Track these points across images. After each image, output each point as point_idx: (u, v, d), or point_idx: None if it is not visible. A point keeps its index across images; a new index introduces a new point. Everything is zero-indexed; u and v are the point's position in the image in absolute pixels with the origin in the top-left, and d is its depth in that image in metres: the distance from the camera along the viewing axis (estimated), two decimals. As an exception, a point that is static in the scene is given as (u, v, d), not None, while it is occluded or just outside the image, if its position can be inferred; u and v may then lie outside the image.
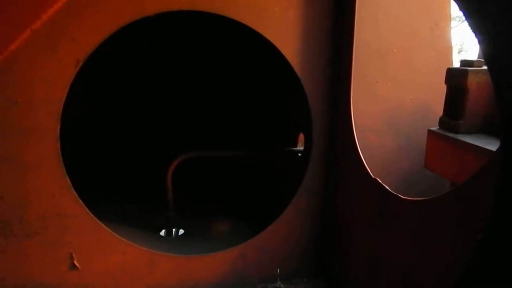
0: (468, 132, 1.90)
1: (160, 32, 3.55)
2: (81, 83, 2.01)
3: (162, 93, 3.96)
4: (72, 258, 2.06)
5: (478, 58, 2.13)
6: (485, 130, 1.91)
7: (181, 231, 2.83)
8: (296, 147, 3.00)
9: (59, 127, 1.90)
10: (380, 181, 1.85)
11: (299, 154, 2.94)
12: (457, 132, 1.91)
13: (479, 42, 0.85)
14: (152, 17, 1.94)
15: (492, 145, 1.67)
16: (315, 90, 2.25)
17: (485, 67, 1.89)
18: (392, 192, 1.75)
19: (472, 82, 1.87)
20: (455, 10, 2.56)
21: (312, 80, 2.23)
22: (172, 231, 2.77)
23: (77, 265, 2.07)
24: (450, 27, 2.43)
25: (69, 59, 1.86)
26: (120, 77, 3.82)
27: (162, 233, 2.78)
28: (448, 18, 2.42)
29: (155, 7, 1.94)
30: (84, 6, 1.84)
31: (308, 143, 2.48)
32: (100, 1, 1.86)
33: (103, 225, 2.07)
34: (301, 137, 2.92)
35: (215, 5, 2.03)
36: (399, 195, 1.70)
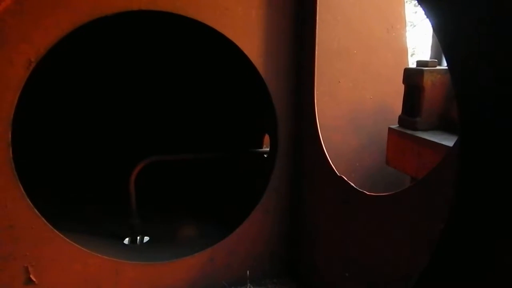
0: (425, 129, 1.99)
1: (124, 32, 3.43)
2: (37, 85, 1.89)
3: (125, 95, 3.83)
4: (28, 272, 1.93)
5: (431, 59, 2.24)
6: (441, 127, 2.01)
7: (146, 238, 2.74)
8: (261, 148, 3.01)
9: (10, 132, 1.78)
10: (346, 179, 1.89)
11: (265, 155, 2.95)
12: (415, 129, 2.00)
13: (439, 40, 0.89)
14: (113, 17, 1.87)
15: (448, 141, 1.76)
16: (280, 91, 2.26)
17: (439, 67, 1.99)
18: (358, 188, 1.80)
19: (427, 81, 1.97)
20: (408, 15, 2.69)
21: (276, 81, 2.24)
22: (137, 238, 2.67)
23: (34, 279, 1.95)
24: (405, 29, 2.55)
25: (21, 60, 1.75)
26: (82, 78, 3.65)
27: (126, 241, 2.68)
28: (403, 21, 2.53)
29: (113, 6, 1.87)
30: (36, 4, 1.74)
31: (273, 144, 2.49)
32: (54, -1, 1.76)
33: (61, 235, 1.96)
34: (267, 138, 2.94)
35: (176, 5, 1.99)
36: (364, 192, 1.75)
